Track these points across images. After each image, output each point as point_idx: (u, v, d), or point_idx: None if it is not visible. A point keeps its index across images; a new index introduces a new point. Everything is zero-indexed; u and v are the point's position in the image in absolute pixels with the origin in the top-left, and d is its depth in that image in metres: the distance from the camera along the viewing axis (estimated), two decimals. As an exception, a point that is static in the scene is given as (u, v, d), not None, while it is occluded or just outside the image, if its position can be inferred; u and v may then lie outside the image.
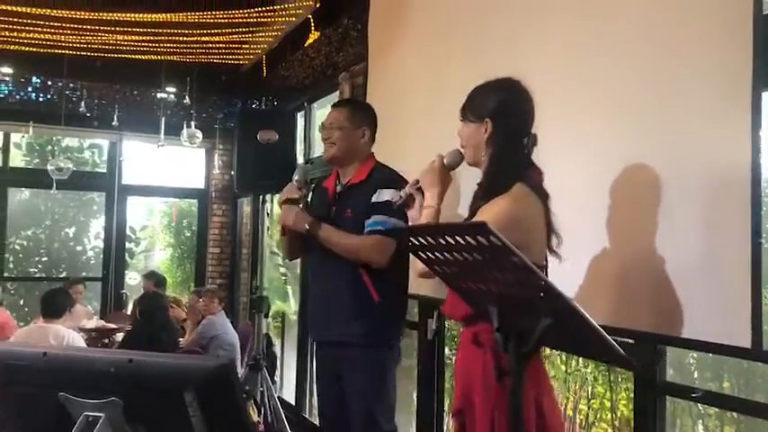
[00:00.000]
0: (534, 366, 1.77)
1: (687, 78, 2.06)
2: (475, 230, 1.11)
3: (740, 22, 1.90)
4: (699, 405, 3.11)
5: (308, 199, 3.09)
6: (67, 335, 4.42)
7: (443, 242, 1.29)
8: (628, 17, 2.28)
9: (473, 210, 1.91)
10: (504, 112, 1.90)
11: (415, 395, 3.76)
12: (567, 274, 2.29)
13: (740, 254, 1.87)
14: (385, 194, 2.55)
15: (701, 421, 3.38)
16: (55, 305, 4.48)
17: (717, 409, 3.12)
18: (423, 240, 1.38)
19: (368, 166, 2.70)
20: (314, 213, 2.71)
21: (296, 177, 2.71)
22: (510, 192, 1.81)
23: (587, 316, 1.14)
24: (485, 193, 1.89)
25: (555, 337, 1.27)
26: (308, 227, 2.59)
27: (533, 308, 1.22)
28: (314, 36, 5.44)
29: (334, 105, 2.84)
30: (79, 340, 4.54)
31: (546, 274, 1.88)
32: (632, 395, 2.50)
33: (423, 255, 1.46)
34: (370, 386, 2.58)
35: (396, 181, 2.59)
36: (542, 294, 1.16)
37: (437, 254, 1.38)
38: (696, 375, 3.40)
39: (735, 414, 2.90)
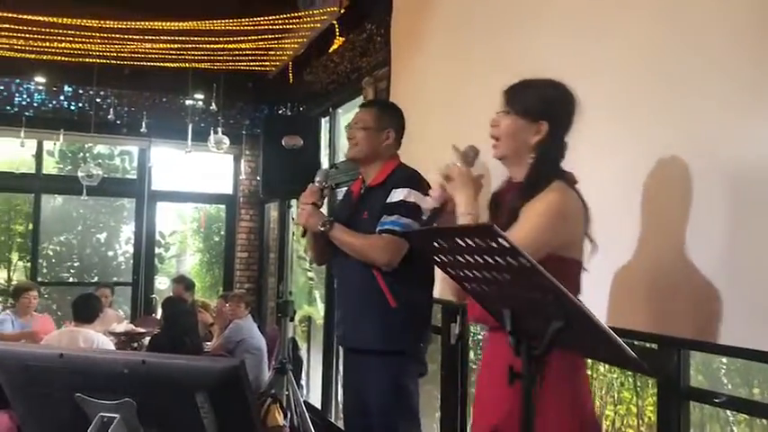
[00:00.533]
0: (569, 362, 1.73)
1: (716, 75, 2.02)
2: (481, 232, 1.11)
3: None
4: (728, 411, 3.04)
5: (342, 202, 3.08)
6: (97, 338, 4.50)
7: (455, 245, 1.29)
8: (654, 15, 2.25)
9: (512, 209, 1.80)
10: (560, 116, 1.87)
11: (438, 400, 3.75)
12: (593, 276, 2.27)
13: None
14: (398, 194, 2.52)
15: (729, 428, 3.31)
16: (87, 309, 4.57)
17: (747, 416, 3.05)
18: (434, 243, 1.38)
19: (389, 168, 2.66)
20: (338, 216, 2.71)
21: (317, 179, 2.70)
22: (551, 187, 1.77)
23: (597, 319, 1.13)
24: (525, 193, 1.81)
25: (568, 340, 1.25)
26: (321, 227, 2.57)
27: (545, 310, 1.21)
28: (338, 42, 5.47)
29: (362, 105, 2.81)
30: (108, 344, 4.61)
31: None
32: (659, 402, 2.46)
33: (436, 258, 1.46)
34: (387, 394, 2.52)
35: (411, 180, 2.55)
36: (551, 297, 1.15)
37: (449, 257, 1.38)
38: (725, 381, 3.33)
39: (765, 420, 2.83)
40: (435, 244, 1.37)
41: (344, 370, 2.85)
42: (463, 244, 1.23)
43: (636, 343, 2.20)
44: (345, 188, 3.27)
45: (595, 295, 2.19)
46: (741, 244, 1.92)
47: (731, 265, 1.93)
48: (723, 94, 1.99)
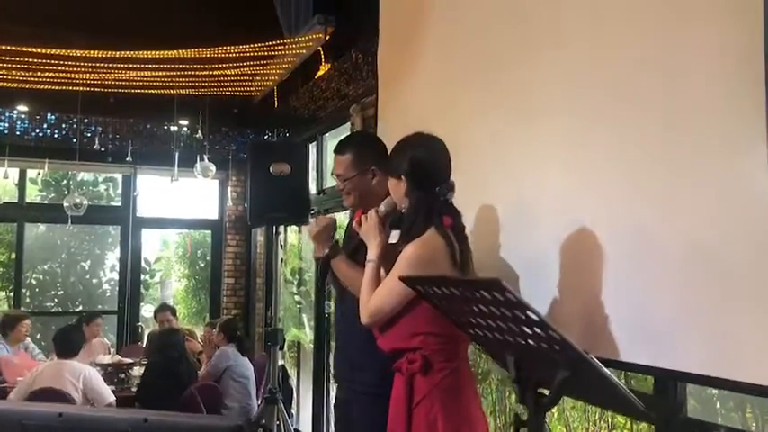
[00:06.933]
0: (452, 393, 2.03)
1: (700, 115, 2.04)
2: (488, 286, 1.11)
3: (752, 54, 1.89)
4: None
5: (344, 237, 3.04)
6: (84, 370, 4.44)
7: (460, 294, 1.29)
8: (640, 50, 2.26)
9: (397, 252, 2.13)
10: (415, 169, 2.16)
11: None
12: (581, 308, 2.28)
13: (760, 287, 1.83)
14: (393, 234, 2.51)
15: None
16: (69, 343, 4.52)
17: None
18: (436, 290, 1.38)
19: None
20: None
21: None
22: (421, 237, 2.09)
23: (605, 370, 1.13)
24: (403, 238, 2.15)
25: (574, 389, 1.25)
26: (326, 250, 2.51)
27: (551, 359, 1.21)
28: (324, 68, 5.49)
29: (336, 150, 2.67)
30: (96, 375, 4.55)
31: None
32: (653, 427, 2.47)
33: (437, 303, 1.46)
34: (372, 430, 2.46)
35: None
36: (558, 348, 1.14)
37: (453, 305, 1.37)
38: (718, 406, 3.35)
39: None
40: (438, 291, 1.37)
41: (335, 402, 2.84)
42: (469, 294, 1.23)
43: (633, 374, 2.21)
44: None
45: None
46: (729, 275, 1.93)
47: (721, 297, 1.95)
48: (711, 134, 2.01)
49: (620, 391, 1.13)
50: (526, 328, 1.16)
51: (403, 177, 2.17)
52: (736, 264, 1.91)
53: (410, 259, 2.06)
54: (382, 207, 2.28)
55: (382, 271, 2.23)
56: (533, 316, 1.10)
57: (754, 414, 3.28)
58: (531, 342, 1.21)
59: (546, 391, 1.30)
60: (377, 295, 2.14)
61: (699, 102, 2.05)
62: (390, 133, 3.96)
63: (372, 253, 2.23)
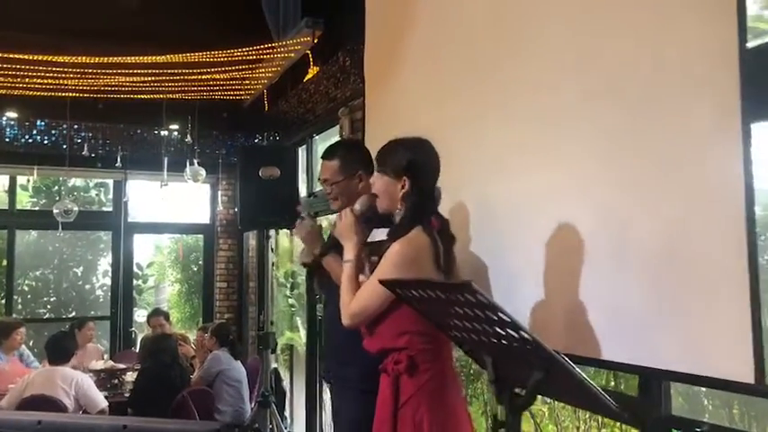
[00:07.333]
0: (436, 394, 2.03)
1: (675, 116, 2.06)
2: (460, 288, 1.12)
3: (726, 56, 1.91)
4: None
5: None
6: (76, 376, 4.44)
7: (436, 296, 1.30)
8: (614, 54, 2.29)
9: (384, 251, 2.13)
10: (419, 171, 2.14)
11: None
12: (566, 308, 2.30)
13: (739, 288, 1.85)
14: (378, 233, 2.51)
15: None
16: (61, 350, 4.53)
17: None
18: (414, 293, 1.39)
19: None
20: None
21: (303, 214, 2.72)
22: (407, 235, 2.08)
23: (576, 369, 1.14)
24: (391, 236, 2.14)
25: (549, 390, 1.26)
26: (317, 250, 2.57)
27: (526, 360, 1.22)
28: (313, 71, 5.50)
29: (324, 156, 2.77)
30: (88, 381, 4.55)
31: None
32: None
33: (417, 306, 1.47)
34: (358, 426, 2.49)
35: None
36: (530, 348, 1.16)
37: (431, 307, 1.39)
38: (706, 403, 3.37)
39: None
40: (417, 294, 1.38)
41: (332, 402, 2.92)
42: (445, 297, 1.24)
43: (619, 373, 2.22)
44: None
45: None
46: (709, 275, 1.95)
47: (700, 296, 1.96)
48: (688, 136, 2.03)
49: (593, 391, 1.14)
50: (499, 329, 1.17)
51: (405, 179, 2.14)
52: (713, 263, 1.93)
53: (394, 258, 2.05)
54: (357, 206, 2.25)
55: (367, 272, 2.23)
56: (505, 317, 1.12)
57: (741, 411, 3.30)
58: (504, 342, 1.22)
59: (523, 392, 1.32)
60: (361, 297, 2.12)
61: (678, 104, 2.07)
62: (378, 135, 3.99)
63: (349, 253, 2.20)
